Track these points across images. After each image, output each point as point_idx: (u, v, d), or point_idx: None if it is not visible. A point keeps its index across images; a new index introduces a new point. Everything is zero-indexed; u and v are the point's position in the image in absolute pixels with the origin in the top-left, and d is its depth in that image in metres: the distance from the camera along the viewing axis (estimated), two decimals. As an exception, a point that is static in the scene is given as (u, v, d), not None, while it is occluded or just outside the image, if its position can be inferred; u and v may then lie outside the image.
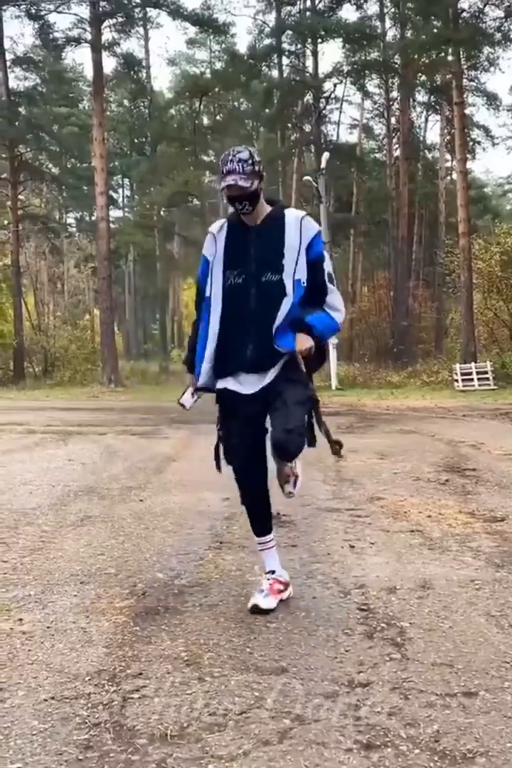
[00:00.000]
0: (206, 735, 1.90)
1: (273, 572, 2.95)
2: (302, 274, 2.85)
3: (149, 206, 33.44)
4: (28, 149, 32.55)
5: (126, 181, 46.70)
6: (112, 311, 29.99)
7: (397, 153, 37.17)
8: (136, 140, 40.63)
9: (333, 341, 25.25)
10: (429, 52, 27.00)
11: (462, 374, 22.68)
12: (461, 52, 25.20)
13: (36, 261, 38.37)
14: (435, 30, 25.53)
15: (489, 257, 30.01)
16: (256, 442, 2.84)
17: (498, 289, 29.86)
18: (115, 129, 40.47)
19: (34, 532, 4.30)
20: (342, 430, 11.46)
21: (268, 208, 2.92)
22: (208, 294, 2.92)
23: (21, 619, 2.82)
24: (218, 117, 34.22)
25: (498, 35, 26.53)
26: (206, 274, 2.94)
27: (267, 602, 2.83)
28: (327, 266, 2.94)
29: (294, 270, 2.83)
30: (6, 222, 31.96)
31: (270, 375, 2.81)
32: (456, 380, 22.82)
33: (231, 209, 2.95)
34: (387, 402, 18.61)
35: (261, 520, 2.97)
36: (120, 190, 50.37)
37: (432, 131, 71.72)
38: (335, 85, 30.60)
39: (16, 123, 30.00)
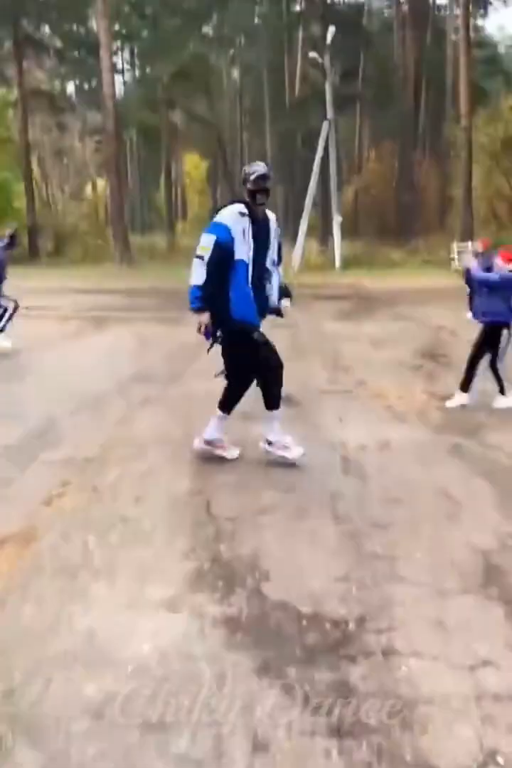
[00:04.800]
0: (259, 517, 3.63)
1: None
2: (275, 255, 4.52)
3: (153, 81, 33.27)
4: (30, 24, 32.03)
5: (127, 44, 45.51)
6: (121, 190, 30.69)
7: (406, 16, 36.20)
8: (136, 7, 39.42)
9: (337, 219, 26.21)
10: None
11: (459, 253, 23.71)
12: None
13: (42, 136, 38.46)
14: None
15: (493, 131, 30.26)
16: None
17: (499, 164, 30.30)
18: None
19: (114, 411, 6.00)
20: (342, 316, 13.05)
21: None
22: (238, 257, 4.32)
23: (130, 466, 4.54)
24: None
25: None
26: (228, 240, 4.26)
27: (292, 453, 4.45)
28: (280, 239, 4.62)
29: (274, 251, 4.49)
30: (12, 99, 31.99)
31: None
32: (453, 258, 23.93)
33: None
34: (386, 282, 19.93)
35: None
36: (120, 53, 49.09)
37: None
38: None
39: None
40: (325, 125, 24.69)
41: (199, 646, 2.54)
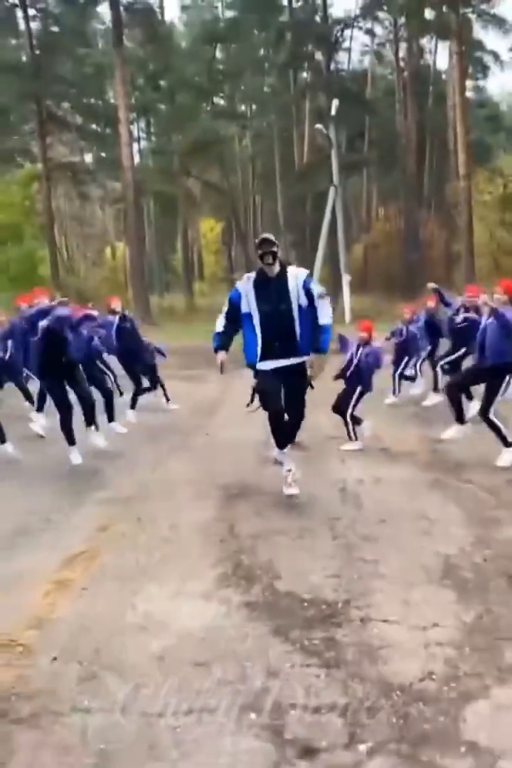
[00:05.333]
0: (272, 536, 4.58)
1: (290, 470, 5.52)
2: (303, 301, 5.29)
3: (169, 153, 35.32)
4: (54, 103, 34.30)
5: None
6: (142, 255, 32.34)
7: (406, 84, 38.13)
8: (151, 81, 41.83)
9: (345, 278, 27.50)
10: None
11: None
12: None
13: (64, 205, 40.64)
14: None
15: (493, 190, 31.71)
16: (278, 389, 5.28)
17: (502, 221, 31.64)
18: (130, 62, 41.47)
19: (149, 457, 7.02)
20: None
21: (278, 268, 5.34)
22: (245, 311, 5.26)
23: (164, 502, 5.52)
24: (231, 64, 35.42)
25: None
26: (239, 299, 5.26)
27: (292, 490, 5.44)
28: (316, 288, 5.35)
29: (297, 300, 5.26)
30: (37, 174, 34.02)
31: (284, 362, 5.30)
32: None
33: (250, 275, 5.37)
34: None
35: (284, 437, 5.48)
36: (136, 123, 51.69)
37: (442, 56, 70.87)
38: (343, 30, 31.77)
39: (42, 78, 31.69)
40: (332, 191, 26.18)
41: (227, 620, 3.48)
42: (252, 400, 5.36)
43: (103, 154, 50.14)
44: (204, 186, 39.91)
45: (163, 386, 10.07)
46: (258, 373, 5.31)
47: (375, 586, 3.81)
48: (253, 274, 5.36)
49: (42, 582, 3.98)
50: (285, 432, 5.38)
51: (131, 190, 30.00)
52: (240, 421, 7.94)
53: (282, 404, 5.26)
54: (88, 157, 51.14)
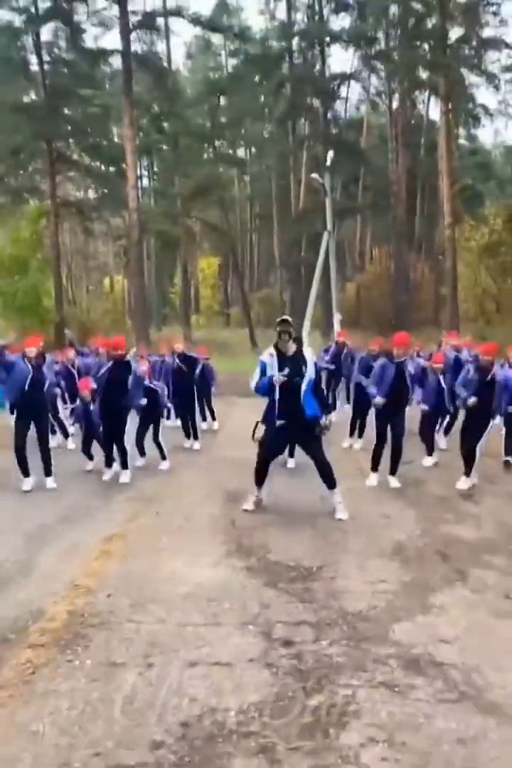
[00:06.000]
0: (265, 527, 5.85)
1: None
2: (312, 376, 6.57)
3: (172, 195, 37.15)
4: (63, 143, 36.07)
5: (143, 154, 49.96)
6: (143, 290, 33.83)
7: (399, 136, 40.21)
8: (156, 122, 43.84)
9: (337, 317, 29.00)
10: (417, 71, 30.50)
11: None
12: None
13: (69, 240, 42.31)
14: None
15: (479, 237, 33.46)
16: (280, 446, 6.60)
17: (486, 267, 33.34)
18: (136, 104, 43.43)
19: (163, 469, 8.30)
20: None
21: (294, 347, 6.60)
22: (268, 376, 6.54)
23: (178, 501, 6.79)
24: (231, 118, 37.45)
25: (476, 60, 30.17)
26: (265, 368, 6.44)
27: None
28: (316, 371, 6.64)
29: (308, 376, 6.52)
30: (46, 210, 35.62)
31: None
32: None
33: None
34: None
35: (263, 479, 6.70)
36: (139, 162, 53.75)
37: (436, 105, 73.69)
38: (340, 85, 33.86)
39: (54, 121, 33.48)
40: (325, 236, 27.74)
41: (232, 577, 4.75)
42: (254, 433, 6.54)
43: (106, 191, 52.24)
44: (204, 226, 41.68)
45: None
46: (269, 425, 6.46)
47: (342, 558, 5.10)
48: (271, 349, 6.44)
49: (90, 551, 5.27)
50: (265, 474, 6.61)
51: (136, 230, 31.54)
52: (236, 444, 9.27)
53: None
54: (92, 194, 53.22)
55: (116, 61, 34.94)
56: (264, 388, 6.40)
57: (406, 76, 31.85)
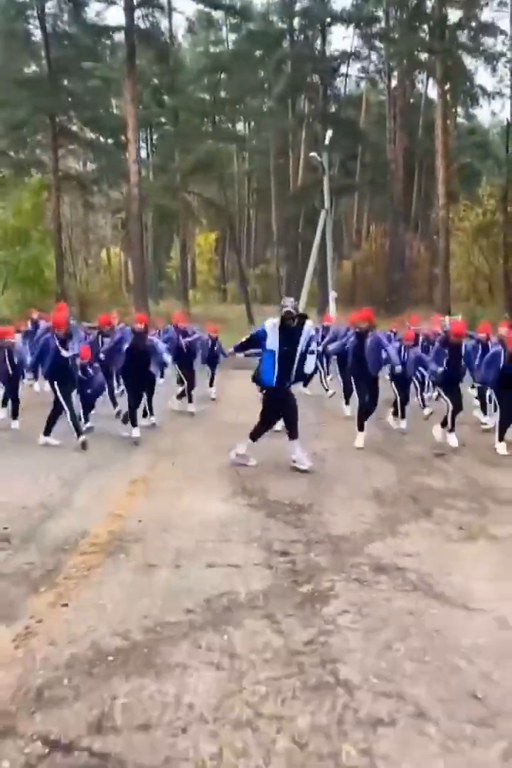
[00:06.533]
0: (264, 475, 6.89)
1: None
2: (303, 348, 7.49)
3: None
4: (66, 117, 36.58)
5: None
6: (143, 264, 34.62)
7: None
8: (156, 95, 44.24)
9: (332, 294, 29.91)
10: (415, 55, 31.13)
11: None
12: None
13: (68, 212, 42.93)
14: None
15: (473, 218, 34.30)
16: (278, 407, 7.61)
17: (479, 247, 34.21)
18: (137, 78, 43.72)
19: (172, 428, 9.33)
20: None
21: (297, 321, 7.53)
22: (268, 347, 7.49)
23: (189, 455, 7.82)
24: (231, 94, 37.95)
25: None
26: (264, 335, 7.44)
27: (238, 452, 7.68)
28: (312, 343, 7.59)
29: (305, 347, 7.48)
30: (48, 184, 36.23)
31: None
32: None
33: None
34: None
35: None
36: (139, 135, 54.09)
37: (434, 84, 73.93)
38: (340, 64, 34.47)
39: (58, 95, 33.99)
40: (323, 214, 28.59)
41: (238, 511, 5.79)
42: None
43: (106, 163, 52.66)
44: (201, 201, 42.35)
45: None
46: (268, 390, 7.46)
47: (329, 499, 6.15)
48: (277, 321, 7.25)
49: (119, 491, 6.30)
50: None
51: (136, 204, 32.28)
52: (235, 409, 10.29)
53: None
54: (91, 166, 53.63)
55: (118, 36, 35.42)
56: (238, 351, 7.66)
57: (405, 57, 32.47)
